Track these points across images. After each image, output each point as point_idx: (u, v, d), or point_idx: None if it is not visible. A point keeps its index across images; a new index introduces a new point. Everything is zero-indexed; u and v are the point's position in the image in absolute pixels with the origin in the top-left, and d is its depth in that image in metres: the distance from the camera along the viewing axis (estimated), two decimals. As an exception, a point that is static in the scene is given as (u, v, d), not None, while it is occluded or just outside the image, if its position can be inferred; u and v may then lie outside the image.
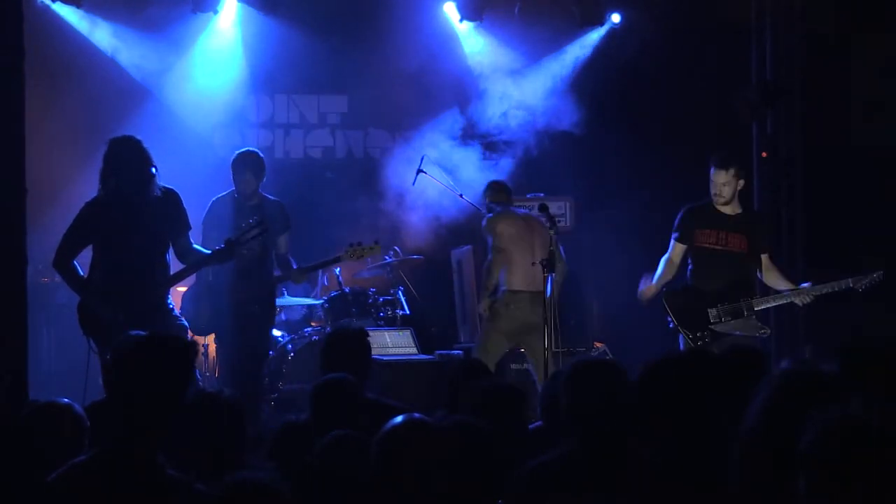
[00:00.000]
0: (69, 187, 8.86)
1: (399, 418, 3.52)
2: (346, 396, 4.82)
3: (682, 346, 7.73)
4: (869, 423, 2.58)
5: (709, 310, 7.68)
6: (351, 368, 5.53)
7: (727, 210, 7.76)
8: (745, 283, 7.83)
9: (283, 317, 9.86)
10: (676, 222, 7.86)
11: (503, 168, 10.59)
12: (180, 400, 3.55)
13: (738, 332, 7.62)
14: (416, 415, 3.59)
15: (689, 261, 7.87)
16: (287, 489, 2.93)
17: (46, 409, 4.08)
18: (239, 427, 4.09)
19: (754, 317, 7.79)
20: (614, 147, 10.53)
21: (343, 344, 5.83)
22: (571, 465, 3.83)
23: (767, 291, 8.04)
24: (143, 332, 5.27)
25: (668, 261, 7.87)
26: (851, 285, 7.79)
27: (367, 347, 5.90)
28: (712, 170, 7.74)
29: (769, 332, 8.20)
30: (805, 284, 7.88)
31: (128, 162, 6.90)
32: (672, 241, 7.85)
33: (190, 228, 7.20)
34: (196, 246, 7.23)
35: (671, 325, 7.75)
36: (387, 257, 9.85)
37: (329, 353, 5.80)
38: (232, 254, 7.29)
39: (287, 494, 2.90)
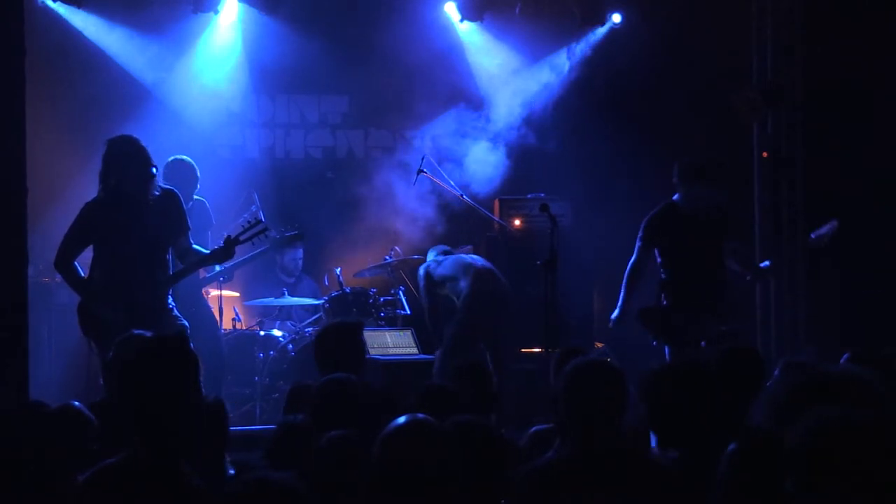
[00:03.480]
0: (70, 187, 8.86)
1: (402, 418, 3.52)
2: (346, 396, 4.83)
3: (668, 357, 7.79)
4: (858, 421, 2.58)
5: (684, 316, 7.74)
6: (347, 361, 5.56)
7: (688, 211, 7.83)
8: (717, 282, 7.88)
9: (284, 316, 9.89)
10: (642, 231, 7.92)
11: (504, 168, 10.59)
12: (188, 400, 3.53)
13: (719, 329, 7.70)
14: (420, 415, 3.59)
15: (661, 269, 7.92)
16: (304, 488, 2.91)
17: (62, 412, 4.08)
18: (222, 428, 4.16)
19: (726, 312, 7.91)
20: (615, 147, 10.53)
21: (334, 338, 5.88)
22: (571, 465, 3.84)
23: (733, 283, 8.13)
24: (145, 332, 5.31)
25: (636, 270, 7.91)
26: (812, 245, 7.93)
27: (362, 339, 5.97)
28: (699, 183, 7.77)
29: (742, 327, 8.40)
30: (764, 264, 8.10)
31: (128, 161, 6.90)
32: (638, 249, 7.91)
33: (189, 229, 7.20)
34: (195, 246, 7.23)
35: (654, 344, 7.86)
36: (387, 257, 9.85)
37: (320, 348, 5.86)
38: (231, 252, 7.29)
39: (305, 493, 2.88)
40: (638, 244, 7.96)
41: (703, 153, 9.13)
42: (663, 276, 7.91)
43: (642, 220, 8.01)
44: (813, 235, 8.21)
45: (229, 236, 7.31)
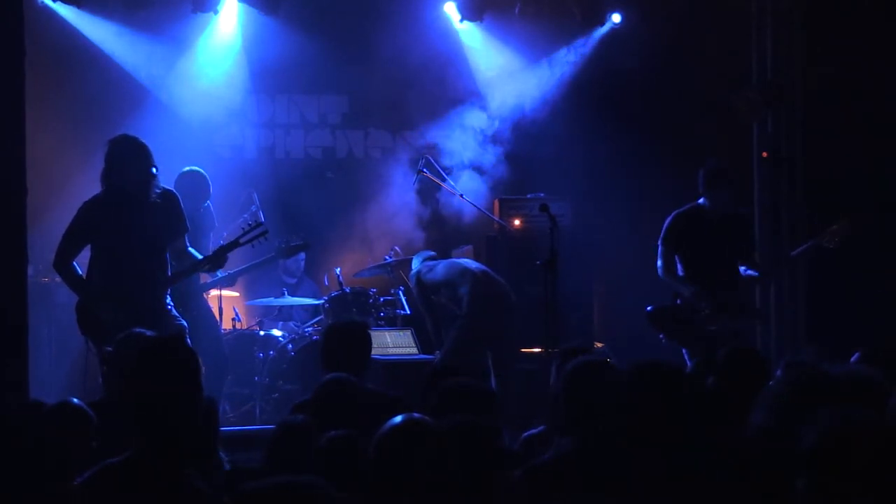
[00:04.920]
0: (69, 187, 8.85)
1: (398, 418, 3.51)
2: (346, 396, 4.83)
3: (685, 355, 7.84)
4: (870, 423, 2.57)
5: (699, 314, 7.80)
6: (350, 362, 5.55)
7: (713, 214, 7.94)
8: (732, 283, 7.96)
9: (284, 316, 9.89)
10: (665, 231, 8.01)
11: (503, 168, 10.58)
12: (190, 400, 3.52)
13: (735, 325, 7.77)
14: (416, 414, 3.58)
15: (679, 266, 8.01)
16: (333, 492, 2.88)
17: (60, 409, 4.07)
18: (214, 426, 4.17)
19: (743, 307, 7.99)
20: (614, 147, 10.52)
21: (338, 338, 5.87)
22: (570, 465, 3.83)
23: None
24: (145, 331, 5.31)
25: (669, 268, 7.98)
26: (821, 244, 7.93)
27: (367, 341, 5.94)
28: (715, 187, 7.88)
29: (763, 319, 8.45)
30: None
31: (130, 161, 6.90)
32: (663, 254, 7.99)
33: (187, 231, 7.19)
34: (190, 249, 7.22)
35: (662, 339, 7.92)
36: (387, 257, 9.85)
37: (325, 348, 5.85)
38: (222, 261, 7.28)
39: (336, 496, 2.85)
40: (662, 247, 8.02)
41: (704, 154, 9.15)
42: (681, 275, 7.98)
43: (666, 219, 8.09)
44: (793, 254, 8.43)
45: (222, 244, 7.28)
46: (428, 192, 10.36)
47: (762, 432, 3.12)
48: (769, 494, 3.04)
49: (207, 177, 8.64)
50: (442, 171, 9.98)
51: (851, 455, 2.51)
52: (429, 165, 9.91)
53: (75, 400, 4.17)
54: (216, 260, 7.23)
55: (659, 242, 8.11)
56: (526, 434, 5.22)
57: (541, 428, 5.07)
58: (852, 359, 4.65)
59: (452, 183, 9.94)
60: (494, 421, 4.40)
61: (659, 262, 8.07)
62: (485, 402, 4.49)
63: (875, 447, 2.51)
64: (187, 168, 8.56)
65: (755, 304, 9.66)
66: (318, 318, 9.66)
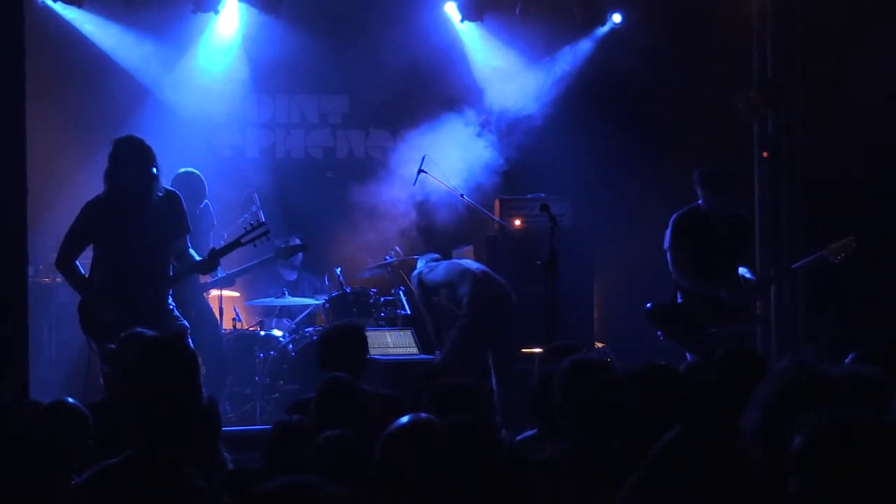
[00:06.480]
0: (69, 187, 8.86)
1: (405, 418, 3.51)
2: (346, 396, 4.84)
3: (687, 355, 7.85)
4: (862, 422, 2.56)
5: (701, 314, 7.82)
6: (347, 363, 5.57)
7: (717, 216, 7.97)
8: (732, 282, 7.98)
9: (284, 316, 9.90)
10: (671, 235, 8.02)
11: (504, 168, 10.58)
12: (189, 399, 3.53)
13: (738, 327, 7.81)
14: (423, 414, 3.59)
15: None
16: (340, 493, 2.88)
17: (55, 408, 4.08)
18: (216, 426, 4.18)
19: (745, 309, 8.01)
20: (615, 146, 10.52)
21: (339, 339, 5.89)
22: (567, 465, 3.84)
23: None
24: (146, 331, 5.32)
25: (686, 268, 7.95)
26: (827, 257, 7.95)
27: (364, 342, 5.98)
28: (710, 191, 7.90)
29: (763, 321, 8.46)
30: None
31: (132, 161, 6.90)
32: (672, 254, 8.00)
33: (188, 232, 7.19)
34: (191, 250, 7.22)
35: (661, 337, 7.93)
36: (387, 257, 9.85)
37: (325, 349, 5.88)
38: (215, 265, 7.27)
39: (337, 497, 2.85)
40: (672, 253, 8.03)
41: (704, 154, 9.16)
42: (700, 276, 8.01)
43: (669, 222, 8.11)
44: (795, 266, 8.45)
45: (214, 247, 7.28)
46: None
47: (759, 432, 3.11)
48: (767, 494, 3.04)
49: (202, 177, 8.64)
50: (442, 171, 9.97)
51: (850, 455, 2.51)
52: (429, 165, 9.91)
53: (70, 399, 4.17)
54: (210, 263, 7.23)
55: (667, 249, 8.09)
56: (519, 437, 5.22)
57: (534, 431, 5.07)
58: (847, 360, 4.66)
59: (453, 182, 9.94)
60: (492, 420, 4.41)
61: (673, 269, 8.05)
62: (482, 402, 4.50)
63: (867, 447, 2.51)
64: (182, 169, 8.57)
65: (755, 307, 9.67)
66: (310, 309, 9.65)
